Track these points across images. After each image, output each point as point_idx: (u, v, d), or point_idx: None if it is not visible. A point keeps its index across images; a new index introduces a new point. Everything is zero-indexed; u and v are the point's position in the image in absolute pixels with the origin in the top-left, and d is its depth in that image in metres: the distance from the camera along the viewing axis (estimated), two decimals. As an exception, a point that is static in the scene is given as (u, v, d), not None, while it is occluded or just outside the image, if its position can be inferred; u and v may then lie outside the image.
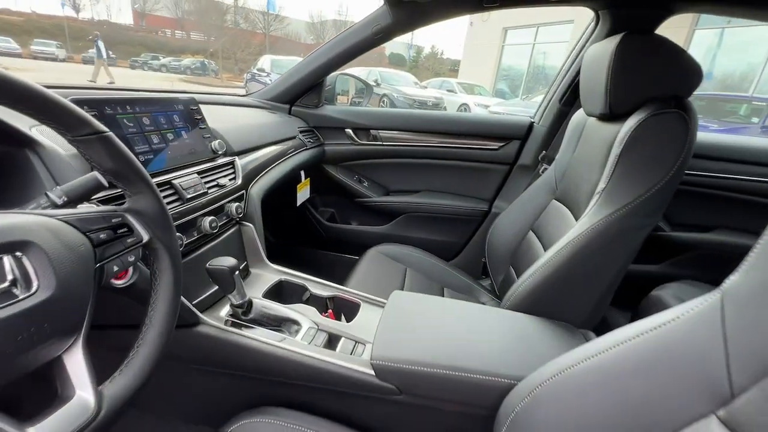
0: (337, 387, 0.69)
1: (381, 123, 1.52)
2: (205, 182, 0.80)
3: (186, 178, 0.75)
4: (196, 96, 1.20)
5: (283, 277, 0.92)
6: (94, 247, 0.43)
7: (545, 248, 1.01)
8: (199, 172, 0.80)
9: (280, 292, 0.91)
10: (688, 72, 0.78)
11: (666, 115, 0.73)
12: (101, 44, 10.82)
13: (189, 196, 0.73)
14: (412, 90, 9.57)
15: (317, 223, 1.64)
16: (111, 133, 0.45)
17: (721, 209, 1.31)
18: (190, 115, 0.84)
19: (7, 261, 0.34)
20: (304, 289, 0.91)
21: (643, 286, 1.17)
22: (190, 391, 0.83)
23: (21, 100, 0.37)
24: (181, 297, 0.70)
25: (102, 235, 0.44)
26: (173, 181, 0.72)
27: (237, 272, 0.69)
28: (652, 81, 0.79)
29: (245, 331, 0.72)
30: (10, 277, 0.34)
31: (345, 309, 0.89)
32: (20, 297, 0.34)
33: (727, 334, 0.38)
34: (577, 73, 1.25)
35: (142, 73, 19.27)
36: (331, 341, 0.77)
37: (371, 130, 1.53)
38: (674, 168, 0.73)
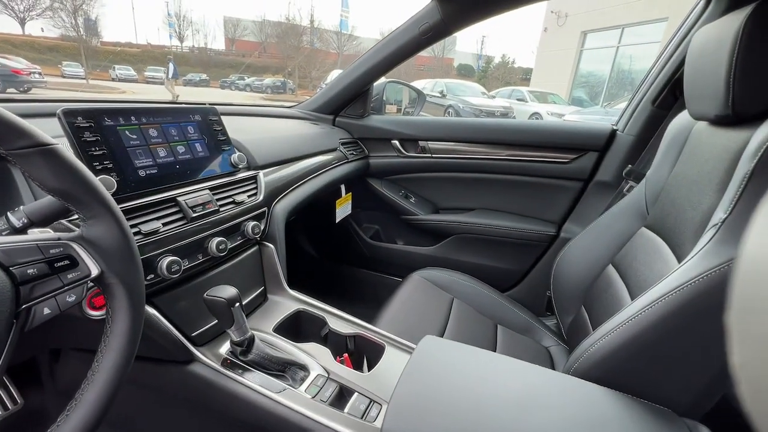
0: None
1: (430, 133, 1.37)
2: (219, 199, 0.73)
3: (194, 195, 0.68)
4: (235, 107, 1.18)
5: (302, 307, 0.81)
6: (17, 285, 0.34)
7: (630, 291, 0.78)
8: (212, 188, 0.73)
9: (296, 324, 0.81)
10: None
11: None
12: (171, 66, 12.35)
13: (195, 215, 0.66)
14: (479, 100, 9.24)
15: (360, 240, 1.53)
16: (58, 146, 0.37)
17: None
18: (208, 127, 0.78)
19: None
20: (323, 322, 0.79)
21: None
22: None
23: None
24: (175, 332, 0.63)
25: (30, 270, 0.36)
26: (178, 198, 0.65)
27: (238, 304, 0.59)
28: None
29: (242, 376, 0.62)
30: None
31: (367, 351, 0.76)
32: None
33: None
34: (677, 69, 0.99)
35: (230, 92, 21.37)
36: (342, 395, 0.63)
37: (420, 141, 1.39)
38: None
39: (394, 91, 1.70)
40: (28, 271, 0.35)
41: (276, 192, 0.91)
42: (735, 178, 0.57)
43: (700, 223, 0.64)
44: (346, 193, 1.34)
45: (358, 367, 0.72)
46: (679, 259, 0.67)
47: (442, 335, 0.98)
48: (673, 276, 0.58)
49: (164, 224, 0.61)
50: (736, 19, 0.58)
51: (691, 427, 0.55)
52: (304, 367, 0.66)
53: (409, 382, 0.58)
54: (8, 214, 0.43)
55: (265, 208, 0.85)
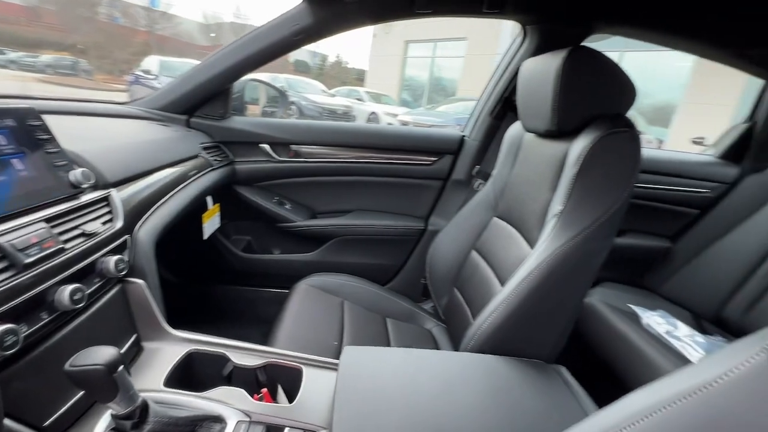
0: None
1: (304, 137, 1.33)
2: (61, 233, 0.55)
3: (23, 232, 0.49)
4: (46, 103, 0.89)
5: (193, 348, 0.69)
6: None
7: (495, 271, 0.95)
8: (49, 219, 0.54)
9: (190, 370, 0.68)
10: (627, 89, 0.78)
11: (621, 134, 0.71)
12: None
13: (29, 261, 0.48)
14: (321, 98, 9.37)
15: (230, 255, 1.37)
16: None
17: (629, 215, 1.44)
18: (28, 135, 0.57)
19: None
20: (225, 360, 0.69)
21: None
22: None
23: None
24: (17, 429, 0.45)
25: None
26: None
27: (122, 367, 0.46)
28: (598, 98, 0.77)
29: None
30: None
31: (281, 379, 0.70)
32: None
33: None
34: (507, 87, 1.24)
35: (-18, 70, 15.54)
36: (271, 436, 0.57)
37: (292, 145, 1.33)
38: (630, 186, 0.71)
39: (250, 89, 1.57)
40: None
41: (137, 214, 0.74)
42: (564, 179, 0.77)
43: (540, 214, 0.83)
44: (213, 204, 1.18)
45: (277, 399, 0.67)
46: (530, 242, 0.86)
47: (341, 340, 0.99)
48: (532, 258, 0.75)
49: None
50: (555, 60, 0.77)
51: (556, 370, 0.72)
52: (218, 419, 0.56)
53: (345, 401, 0.57)
54: None
55: (127, 236, 0.68)
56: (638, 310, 1.22)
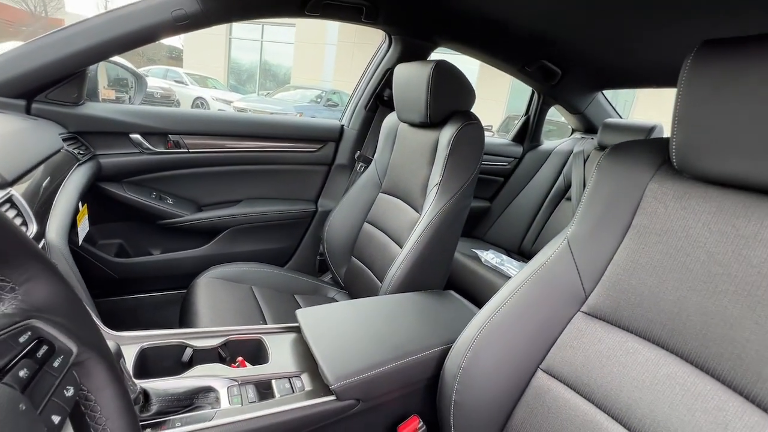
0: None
1: (184, 126, 1.26)
2: None
3: None
4: None
5: (146, 344, 0.68)
6: (23, 392, 0.24)
7: (390, 236, 1.19)
8: None
9: (146, 369, 0.67)
10: (471, 92, 1.11)
11: (474, 125, 1.03)
12: None
13: None
14: (130, 78, 7.83)
15: (102, 263, 1.20)
16: None
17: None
18: None
19: None
20: (183, 347, 0.71)
21: None
22: None
23: None
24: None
25: (22, 372, 0.24)
26: None
27: (121, 359, 0.48)
28: (455, 98, 1.08)
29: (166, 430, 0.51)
30: None
31: (243, 352, 0.76)
32: None
33: (576, 262, 0.63)
34: (377, 86, 1.47)
35: None
36: (263, 392, 0.66)
37: (170, 135, 1.24)
38: (480, 160, 1.05)
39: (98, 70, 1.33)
40: (20, 374, 0.24)
41: (41, 213, 0.65)
42: (438, 158, 1.06)
43: (422, 185, 1.11)
44: (82, 206, 1.02)
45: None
46: (416, 209, 1.13)
47: (266, 322, 1.06)
48: (423, 218, 1.01)
49: None
50: (425, 69, 1.03)
51: (449, 294, 1.02)
52: (210, 389, 0.61)
53: (321, 346, 0.71)
54: None
55: (44, 241, 0.61)
56: (478, 252, 1.69)
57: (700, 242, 0.52)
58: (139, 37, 1.01)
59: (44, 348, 0.26)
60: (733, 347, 0.47)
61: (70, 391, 0.28)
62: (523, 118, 2.00)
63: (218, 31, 12.60)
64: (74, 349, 0.29)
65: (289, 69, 12.55)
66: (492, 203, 2.05)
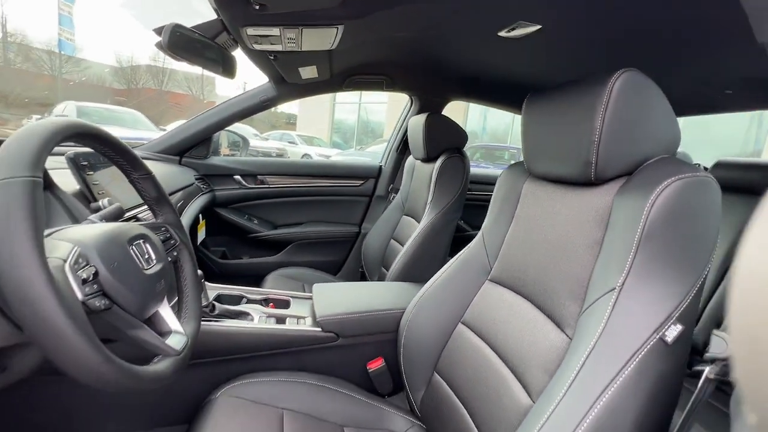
0: (292, 347, 0.98)
1: (265, 169, 1.84)
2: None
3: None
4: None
5: (221, 291, 1.14)
6: (162, 242, 0.67)
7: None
8: None
9: (221, 302, 1.12)
10: (461, 135, 1.44)
11: (455, 158, 1.36)
12: None
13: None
14: (255, 142, 9.76)
15: (210, 261, 1.78)
16: (153, 174, 0.71)
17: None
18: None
19: (141, 245, 0.59)
20: (241, 297, 1.14)
21: None
22: (154, 392, 0.94)
23: (120, 152, 0.62)
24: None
25: (162, 237, 0.68)
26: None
27: (203, 279, 0.92)
28: (445, 140, 1.42)
29: (218, 323, 0.94)
30: (146, 256, 0.59)
31: (277, 305, 1.17)
32: (152, 265, 0.59)
33: (485, 245, 0.91)
34: (405, 134, 1.89)
35: None
36: (279, 322, 1.04)
37: (258, 176, 1.83)
38: (461, 186, 1.35)
39: (221, 137, 2.04)
40: (161, 237, 0.68)
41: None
42: (432, 183, 1.39)
43: (423, 205, 1.44)
44: (202, 220, 1.62)
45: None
46: (419, 222, 1.45)
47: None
48: (420, 225, 1.34)
49: None
50: (422, 120, 1.41)
51: (419, 284, 1.30)
52: (249, 314, 1.03)
53: (320, 298, 1.08)
54: (89, 218, 0.69)
55: None
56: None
57: (537, 220, 0.78)
58: (240, 115, 1.61)
59: (172, 239, 0.70)
60: (545, 284, 0.71)
61: (175, 253, 0.71)
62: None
63: (324, 98, 14.83)
64: (178, 240, 0.73)
65: (384, 125, 13.94)
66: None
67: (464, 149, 1.43)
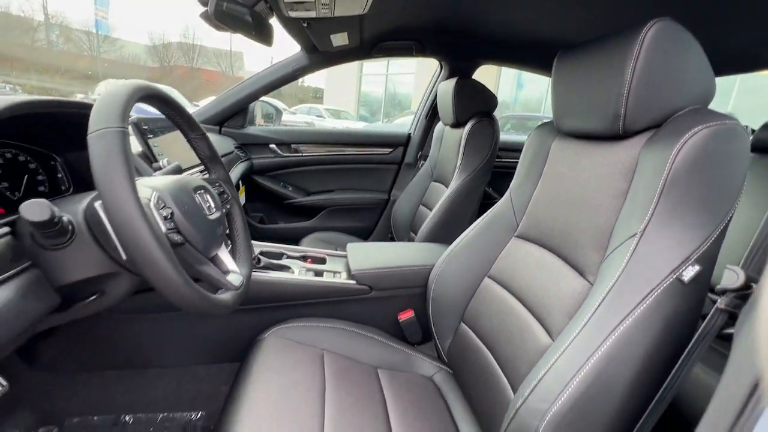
0: (329, 297, 1.07)
1: (299, 138, 1.91)
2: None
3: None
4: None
5: (263, 248, 1.24)
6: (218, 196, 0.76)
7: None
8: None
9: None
10: (491, 99, 1.44)
11: (484, 122, 1.37)
12: None
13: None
14: (283, 116, 9.88)
15: (250, 226, 1.90)
16: (206, 134, 0.78)
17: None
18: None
19: (203, 194, 0.67)
20: (282, 254, 1.24)
21: None
22: (213, 332, 1.07)
23: (180, 114, 0.70)
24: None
25: (216, 192, 0.77)
26: None
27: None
28: (474, 103, 1.43)
29: (264, 273, 1.04)
30: (207, 204, 0.67)
31: (314, 261, 1.26)
32: (213, 212, 0.67)
33: (513, 203, 0.94)
34: (434, 100, 1.90)
35: None
36: (317, 275, 1.14)
37: (292, 145, 1.91)
38: (490, 151, 1.36)
39: (257, 107, 2.12)
40: (221, 191, 0.76)
41: None
42: (461, 147, 1.41)
43: (452, 170, 1.46)
44: (242, 185, 1.72)
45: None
46: (447, 187, 1.49)
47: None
48: (448, 189, 1.38)
49: None
50: (451, 85, 1.42)
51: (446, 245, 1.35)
52: (289, 268, 1.12)
53: (354, 254, 1.15)
54: (155, 174, 0.78)
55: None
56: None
57: (564, 176, 0.80)
58: (274, 85, 1.67)
59: (224, 193, 0.79)
60: (570, 236, 0.75)
61: (228, 206, 0.79)
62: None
63: (350, 70, 14.64)
64: (231, 195, 0.81)
65: (411, 96, 13.67)
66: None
67: (495, 116, 1.44)
